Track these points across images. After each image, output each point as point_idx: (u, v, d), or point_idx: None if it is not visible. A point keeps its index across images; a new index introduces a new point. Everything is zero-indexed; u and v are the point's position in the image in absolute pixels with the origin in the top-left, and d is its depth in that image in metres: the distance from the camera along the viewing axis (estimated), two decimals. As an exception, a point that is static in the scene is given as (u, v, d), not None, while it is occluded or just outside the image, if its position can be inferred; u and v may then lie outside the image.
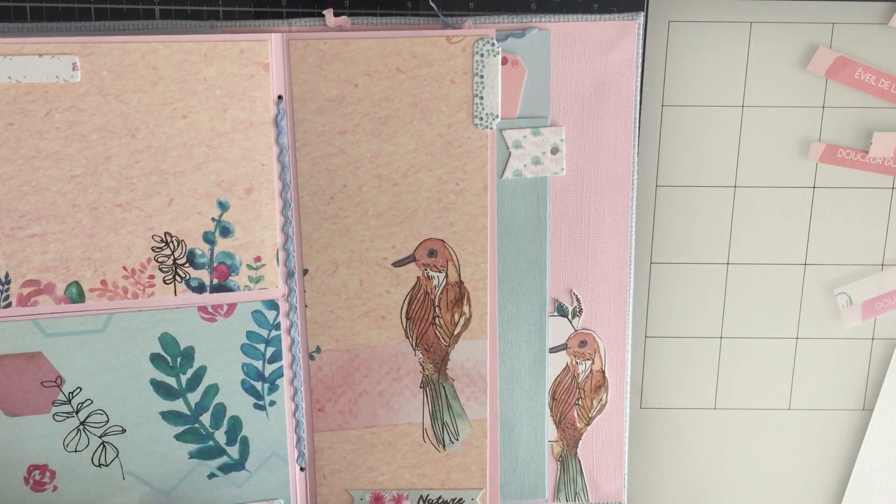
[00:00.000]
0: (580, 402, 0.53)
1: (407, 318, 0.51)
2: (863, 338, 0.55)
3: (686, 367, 0.55)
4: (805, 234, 0.54)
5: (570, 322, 0.52)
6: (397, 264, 0.50)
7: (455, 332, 0.51)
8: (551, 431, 0.54)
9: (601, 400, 0.53)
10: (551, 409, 0.53)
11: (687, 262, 0.54)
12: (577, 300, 0.52)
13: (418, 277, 0.51)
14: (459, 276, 0.51)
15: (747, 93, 0.51)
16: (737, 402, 0.56)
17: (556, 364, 0.53)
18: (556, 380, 0.53)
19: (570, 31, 0.49)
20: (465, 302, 0.51)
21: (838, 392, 0.56)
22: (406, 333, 0.51)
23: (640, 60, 0.50)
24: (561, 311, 0.52)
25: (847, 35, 0.51)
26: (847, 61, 0.51)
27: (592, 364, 0.53)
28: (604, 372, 0.53)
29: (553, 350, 0.53)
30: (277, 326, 0.50)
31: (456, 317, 0.51)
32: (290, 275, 0.50)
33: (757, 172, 0.53)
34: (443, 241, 0.50)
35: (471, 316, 0.51)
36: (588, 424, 0.54)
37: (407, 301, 0.51)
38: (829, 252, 0.54)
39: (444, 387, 0.52)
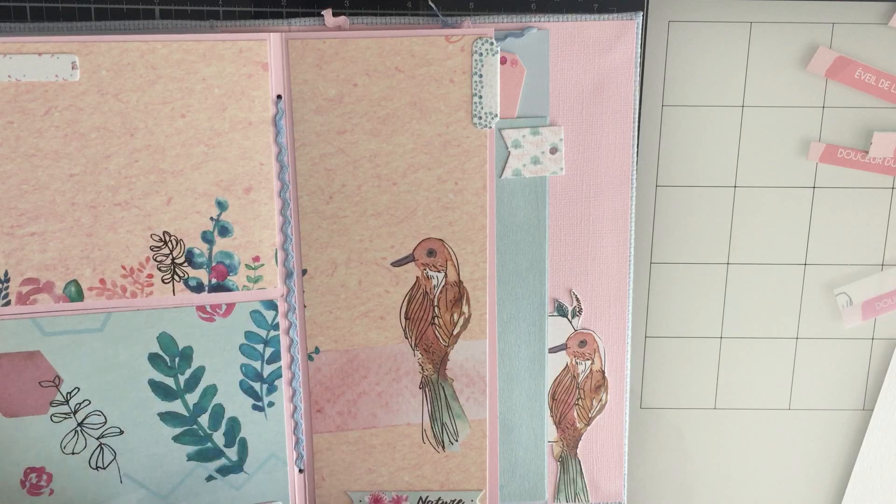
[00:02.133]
0: (580, 403, 0.53)
1: (406, 319, 0.51)
2: (863, 338, 0.55)
3: (686, 367, 0.56)
4: (805, 234, 0.54)
5: (570, 322, 0.53)
6: (396, 264, 0.51)
7: (454, 332, 0.52)
8: (551, 432, 0.54)
9: (601, 400, 0.53)
10: (551, 410, 0.54)
11: (687, 262, 0.54)
12: (577, 300, 0.52)
13: (417, 277, 0.51)
14: (458, 275, 0.51)
15: (747, 93, 0.52)
16: (737, 402, 0.56)
17: (555, 364, 0.53)
18: (555, 380, 0.53)
19: (568, 30, 0.49)
20: (464, 302, 0.51)
21: (838, 392, 0.56)
22: (405, 334, 0.52)
23: (640, 60, 0.50)
24: (560, 310, 0.52)
25: (847, 35, 0.51)
26: (847, 61, 0.51)
27: (592, 364, 0.53)
28: (603, 372, 0.53)
29: (553, 350, 0.53)
30: (276, 327, 0.51)
31: (455, 317, 0.52)
32: (288, 275, 0.50)
33: (757, 172, 0.53)
34: (442, 240, 0.51)
35: (470, 316, 0.52)
36: (588, 424, 0.54)
37: (406, 301, 0.51)
38: (829, 252, 0.54)
39: (443, 387, 0.52)
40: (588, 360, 0.53)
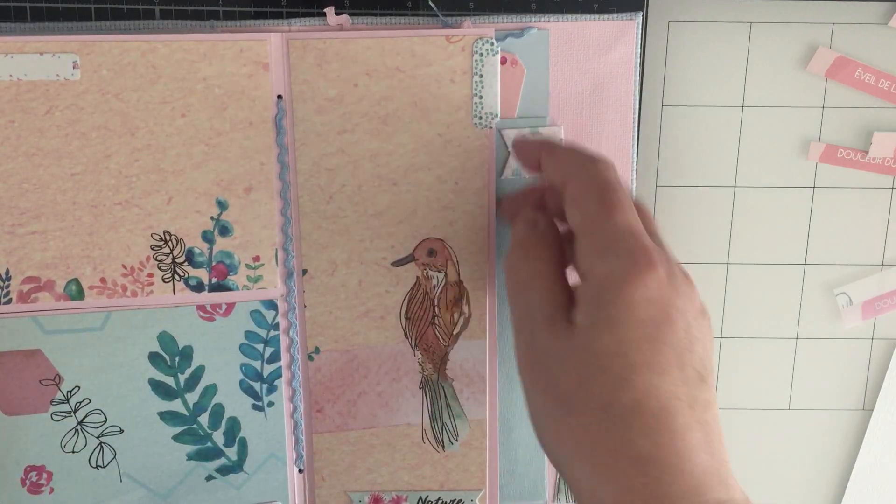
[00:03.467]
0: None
1: (406, 318, 0.52)
2: (863, 338, 0.56)
3: (686, 367, 0.56)
4: (805, 234, 0.54)
5: None
6: (396, 264, 0.51)
7: (454, 332, 0.52)
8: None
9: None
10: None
11: (687, 262, 0.54)
12: None
13: (417, 277, 0.51)
14: (459, 275, 0.51)
15: (747, 93, 0.52)
16: (737, 402, 0.56)
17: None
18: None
19: (568, 31, 0.49)
20: (464, 301, 0.52)
21: (838, 392, 0.56)
22: (405, 333, 0.52)
23: (640, 60, 0.50)
24: None
25: (847, 35, 0.51)
26: (847, 61, 0.51)
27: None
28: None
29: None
30: (276, 326, 0.51)
31: (455, 316, 0.52)
32: (289, 275, 0.50)
33: (757, 172, 0.53)
34: (442, 240, 0.51)
35: (470, 315, 0.52)
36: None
37: (406, 301, 0.52)
38: (829, 252, 0.54)
39: (443, 387, 0.53)
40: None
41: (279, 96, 0.49)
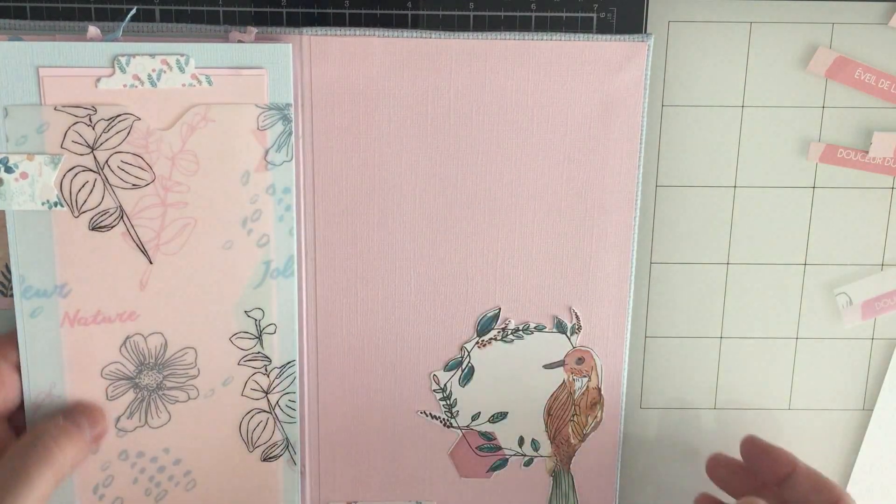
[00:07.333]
0: (575, 419, 0.55)
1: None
2: (863, 338, 0.57)
3: (686, 367, 0.57)
4: (805, 234, 0.55)
5: (569, 339, 0.54)
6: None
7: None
8: (545, 447, 0.56)
9: (596, 417, 0.55)
10: (546, 425, 0.55)
11: (687, 262, 0.55)
12: (577, 318, 0.54)
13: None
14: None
15: (747, 93, 0.53)
16: (737, 402, 0.57)
17: (552, 380, 0.54)
18: (551, 396, 0.55)
19: (578, 50, 0.50)
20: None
21: (838, 392, 0.57)
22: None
23: (648, 82, 0.51)
24: (560, 327, 0.54)
25: (847, 35, 0.52)
26: (847, 61, 0.52)
27: (589, 381, 0.54)
28: (600, 389, 0.55)
29: (549, 366, 0.54)
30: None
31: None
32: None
33: (757, 172, 0.54)
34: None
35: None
36: (582, 441, 0.55)
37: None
38: (829, 252, 0.55)
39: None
40: (585, 377, 0.54)
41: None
